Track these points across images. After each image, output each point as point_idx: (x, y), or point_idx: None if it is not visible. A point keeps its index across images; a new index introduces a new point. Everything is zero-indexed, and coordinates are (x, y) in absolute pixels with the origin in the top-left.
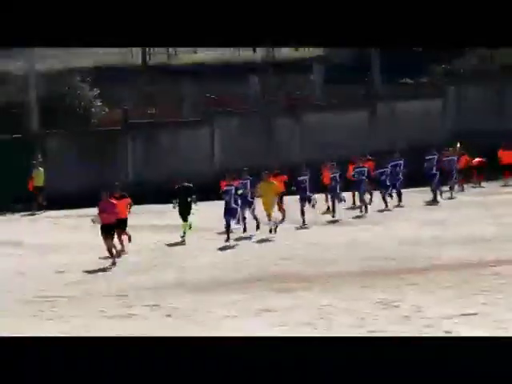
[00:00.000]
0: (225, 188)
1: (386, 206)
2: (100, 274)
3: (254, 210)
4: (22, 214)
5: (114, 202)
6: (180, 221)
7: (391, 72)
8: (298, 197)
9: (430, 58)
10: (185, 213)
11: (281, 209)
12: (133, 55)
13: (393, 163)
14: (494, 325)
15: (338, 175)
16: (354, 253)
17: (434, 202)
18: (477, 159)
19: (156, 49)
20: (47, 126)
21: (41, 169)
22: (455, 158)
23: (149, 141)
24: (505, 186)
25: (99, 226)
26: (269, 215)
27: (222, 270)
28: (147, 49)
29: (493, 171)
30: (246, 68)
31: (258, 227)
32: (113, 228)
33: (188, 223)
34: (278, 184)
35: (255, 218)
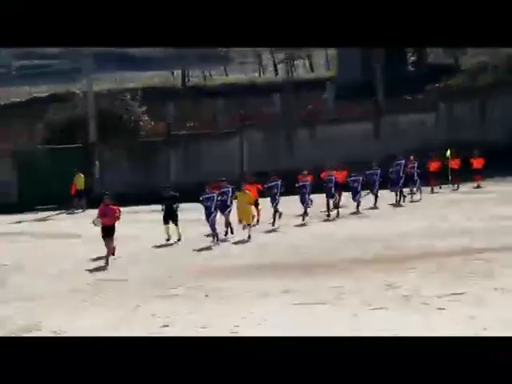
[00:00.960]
0: (206, 195)
1: (357, 209)
2: (149, 259)
3: (229, 214)
4: (72, 211)
5: (115, 207)
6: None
7: (393, 90)
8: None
9: (425, 79)
10: (168, 217)
11: (258, 214)
12: (174, 78)
13: (369, 172)
14: (477, 303)
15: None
16: (360, 243)
17: (398, 203)
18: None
19: (193, 72)
20: (103, 138)
21: (81, 175)
22: (415, 165)
23: (188, 150)
24: (477, 187)
25: (100, 227)
26: (245, 223)
27: (251, 257)
28: (186, 71)
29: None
30: (270, 88)
31: (231, 232)
32: (112, 229)
33: (172, 227)
34: (252, 193)
35: (228, 224)
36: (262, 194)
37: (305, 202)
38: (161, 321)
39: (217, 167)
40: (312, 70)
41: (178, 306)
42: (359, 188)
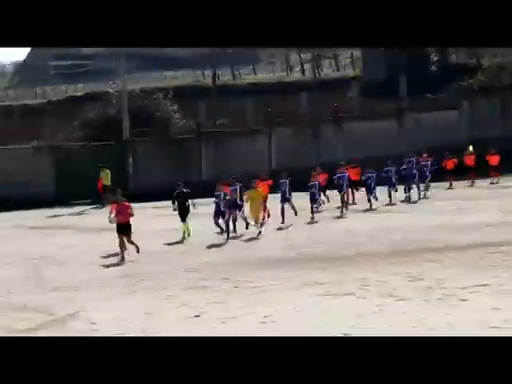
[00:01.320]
0: (216, 193)
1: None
2: (183, 252)
3: (243, 212)
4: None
5: (127, 204)
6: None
7: (416, 88)
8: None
9: (447, 78)
10: (183, 214)
11: (265, 210)
12: (205, 77)
13: (385, 169)
14: (498, 294)
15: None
16: (382, 236)
17: (408, 199)
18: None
19: (223, 71)
20: (136, 135)
21: (107, 170)
22: (429, 163)
23: (218, 146)
24: (492, 183)
25: (115, 224)
26: (256, 219)
27: (280, 249)
28: (216, 71)
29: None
30: (297, 87)
31: (246, 227)
32: (128, 226)
33: (187, 227)
34: (263, 189)
35: (244, 219)
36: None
37: (315, 200)
38: (192, 311)
39: (246, 163)
40: (338, 69)
41: (208, 296)
42: (373, 184)
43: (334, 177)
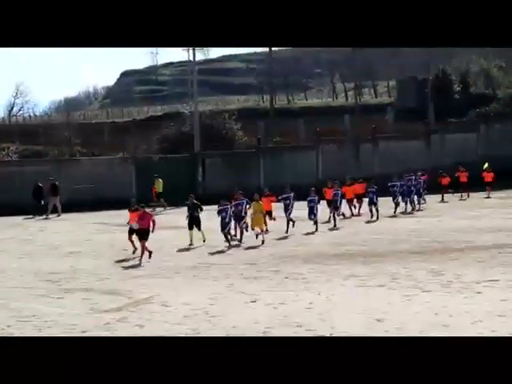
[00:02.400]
0: (221, 207)
1: (371, 216)
2: (243, 247)
3: (244, 223)
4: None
5: (150, 213)
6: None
7: (441, 114)
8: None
9: (468, 105)
10: (192, 223)
11: (266, 224)
12: (264, 101)
13: (390, 184)
14: (508, 288)
15: (339, 192)
16: (412, 237)
17: (412, 210)
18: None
19: (279, 96)
20: (205, 149)
21: (160, 180)
22: (422, 180)
23: (274, 159)
24: (487, 197)
25: (137, 229)
26: (259, 229)
27: (325, 246)
28: (274, 96)
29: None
30: (341, 110)
31: (240, 240)
32: (148, 232)
33: (201, 233)
34: (265, 204)
35: (242, 229)
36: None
37: (313, 216)
38: (249, 297)
39: (297, 174)
40: (376, 96)
41: (262, 285)
42: (375, 197)
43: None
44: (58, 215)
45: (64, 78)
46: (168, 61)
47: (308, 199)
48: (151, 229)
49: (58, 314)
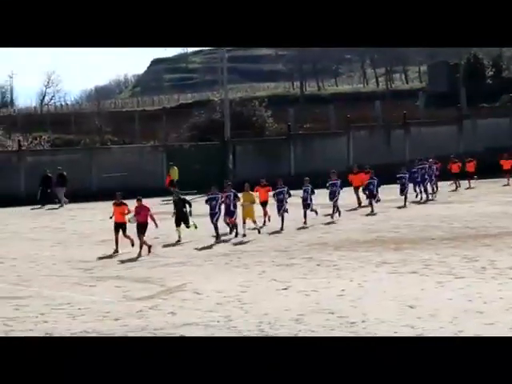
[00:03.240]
0: (211, 195)
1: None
2: (274, 234)
3: (232, 218)
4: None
5: (146, 207)
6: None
7: (473, 99)
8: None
9: (500, 90)
10: (179, 220)
11: (266, 214)
12: (294, 88)
13: (398, 175)
14: None
15: (338, 182)
16: (443, 223)
17: (427, 199)
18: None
19: (309, 83)
20: (236, 136)
21: (175, 167)
22: (434, 167)
23: (304, 146)
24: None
25: (135, 224)
26: (253, 221)
27: (356, 233)
28: (304, 83)
29: None
30: (372, 95)
31: (230, 232)
32: (145, 226)
33: (191, 225)
34: (261, 194)
35: (233, 223)
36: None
37: (334, 199)
38: (281, 284)
39: (328, 160)
40: (407, 82)
41: (294, 272)
42: (374, 189)
43: (327, 184)
44: (61, 205)
45: (95, 67)
46: (198, 48)
47: (329, 183)
48: (154, 223)
49: (90, 302)
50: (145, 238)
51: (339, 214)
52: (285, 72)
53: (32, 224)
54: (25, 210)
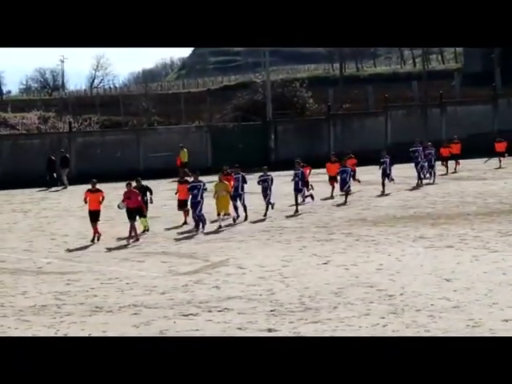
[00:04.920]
0: (193, 184)
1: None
2: (314, 211)
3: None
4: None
5: (136, 191)
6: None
7: (508, 78)
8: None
9: None
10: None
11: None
12: (333, 69)
13: (382, 160)
14: None
15: (347, 169)
16: (478, 199)
17: (420, 183)
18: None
19: (348, 64)
20: (277, 116)
21: (185, 150)
22: (432, 151)
23: (343, 125)
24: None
25: (125, 209)
26: (225, 211)
27: (394, 209)
28: (343, 64)
29: None
30: (409, 76)
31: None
32: (136, 211)
33: (143, 221)
34: (229, 184)
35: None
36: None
37: (345, 186)
38: (321, 259)
39: (366, 139)
40: (443, 62)
41: (334, 247)
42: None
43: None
44: (65, 187)
45: (142, 51)
46: None
47: (381, 160)
48: (143, 209)
49: (138, 277)
50: (135, 224)
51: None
52: (325, 54)
53: (81, 202)
54: (75, 188)
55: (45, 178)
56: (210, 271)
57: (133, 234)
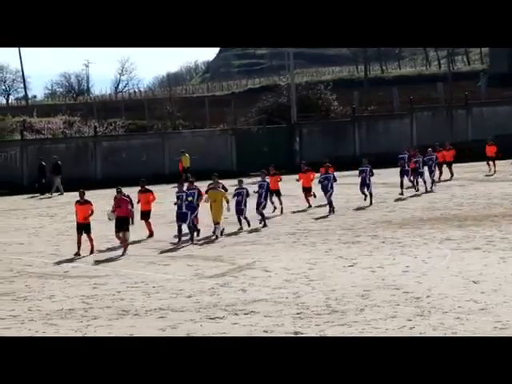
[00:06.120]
0: (177, 194)
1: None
2: (340, 213)
3: (196, 216)
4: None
5: (126, 199)
6: None
7: None
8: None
9: None
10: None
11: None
12: (358, 71)
13: (361, 168)
14: None
15: (328, 176)
16: (505, 201)
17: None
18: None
19: (373, 66)
20: (302, 119)
21: (187, 155)
22: (420, 159)
23: (369, 127)
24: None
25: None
26: (217, 220)
27: (420, 211)
28: (368, 66)
29: None
30: (434, 77)
31: (197, 233)
32: (126, 221)
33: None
34: (223, 191)
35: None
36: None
37: (368, 187)
38: (347, 261)
39: (391, 141)
40: (469, 63)
41: (359, 250)
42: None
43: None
44: (61, 194)
45: (166, 55)
46: None
47: (360, 169)
48: (131, 218)
49: (165, 280)
50: (126, 236)
51: (332, 211)
52: (349, 56)
53: (107, 206)
54: (100, 192)
55: (39, 183)
56: (236, 274)
57: (125, 243)
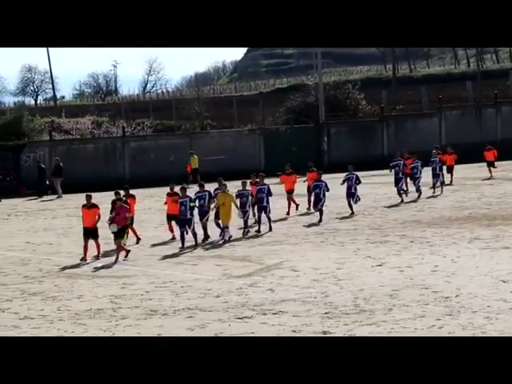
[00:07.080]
0: (180, 200)
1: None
2: (369, 213)
3: (207, 220)
4: None
5: (126, 206)
6: None
7: None
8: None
9: None
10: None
11: (295, 202)
12: (386, 70)
13: (348, 175)
14: None
15: (320, 184)
16: None
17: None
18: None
19: (401, 65)
20: (330, 118)
21: (195, 156)
22: (418, 164)
23: (397, 127)
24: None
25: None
26: (226, 223)
27: (449, 211)
28: (396, 65)
29: None
30: (463, 76)
31: (206, 238)
32: (124, 228)
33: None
34: (288, 183)
35: (205, 228)
36: None
37: (319, 203)
38: (375, 261)
39: (420, 141)
40: (498, 61)
41: (388, 249)
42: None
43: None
44: (58, 196)
45: (194, 54)
46: None
47: (346, 176)
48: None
49: (193, 280)
50: (122, 243)
51: (320, 220)
52: (377, 55)
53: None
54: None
55: (39, 185)
56: (264, 274)
57: (119, 250)
